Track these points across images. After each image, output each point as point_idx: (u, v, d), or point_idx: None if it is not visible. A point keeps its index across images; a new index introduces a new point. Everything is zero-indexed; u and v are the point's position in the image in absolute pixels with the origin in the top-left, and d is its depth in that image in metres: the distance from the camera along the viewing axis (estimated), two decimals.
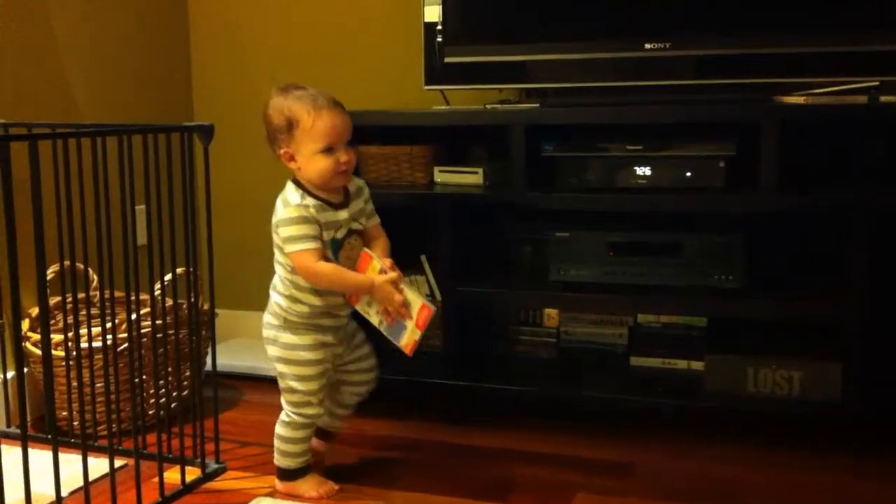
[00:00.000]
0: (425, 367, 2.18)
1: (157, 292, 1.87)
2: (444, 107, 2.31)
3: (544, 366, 2.28)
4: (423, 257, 2.29)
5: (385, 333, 1.74)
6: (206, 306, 2.16)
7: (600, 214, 2.11)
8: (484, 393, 2.13)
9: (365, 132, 2.21)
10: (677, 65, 2.07)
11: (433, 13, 2.23)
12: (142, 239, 1.79)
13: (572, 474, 1.88)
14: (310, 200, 1.70)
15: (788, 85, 2.02)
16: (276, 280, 1.78)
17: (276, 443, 1.79)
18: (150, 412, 2.09)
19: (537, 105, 2.15)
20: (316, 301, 1.73)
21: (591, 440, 2.04)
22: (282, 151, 1.72)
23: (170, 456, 1.87)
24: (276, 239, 1.73)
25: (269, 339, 1.78)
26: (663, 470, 1.90)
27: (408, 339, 1.68)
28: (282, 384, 1.78)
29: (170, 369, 2.02)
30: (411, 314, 1.67)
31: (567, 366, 2.27)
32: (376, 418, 2.18)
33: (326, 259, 1.70)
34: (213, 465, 1.89)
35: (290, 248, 1.68)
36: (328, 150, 1.68)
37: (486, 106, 2.16)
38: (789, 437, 2.02)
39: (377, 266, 1.71)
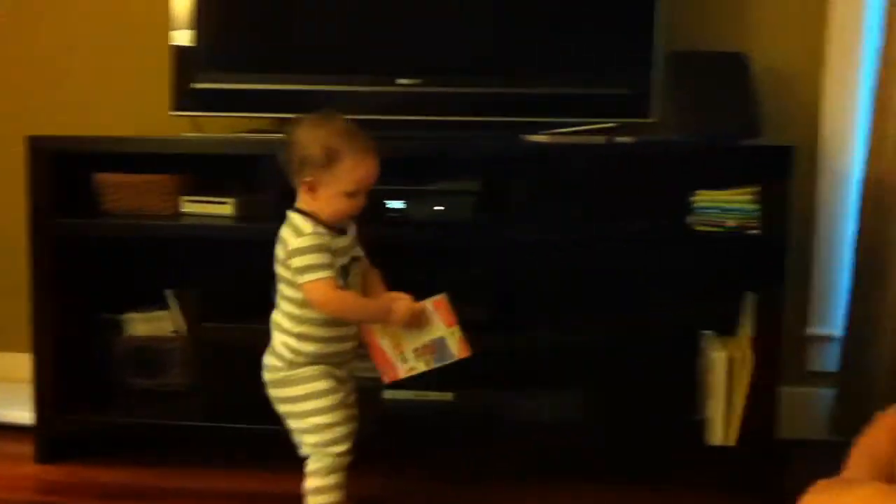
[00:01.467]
0: (175, 407, 2.07)
1: None
2: (190, 134, 2.20)
3: None
4: (168, 292, 2.17)
5: (439, 364, 1.70)
6: None
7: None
8: (236, 434, 2.03)
9: (105, 159, 2.08)
10: (430, 101, 2.09)
11: (183, 36, 2.14)
12: None
13: None
14: (321, 229, 1.62)
15: (537, 124, 2.09)
16: (278, 318, 1.67)
17: (309, 499, 1.66)
18: None
19: None
20: (329, 333, 1.65)
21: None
22: (308, 180, 1.61)
23: None
24: (284, 273, 1.64)
25: (276, 381, 1.67)
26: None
27: (454, 344, 1.70)
28: (302, 425, 1.66)
29: None
30: (433, 320, 1.68)
31: None
32: (117, 467, 2.04)
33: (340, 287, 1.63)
34: None
35: (306, 277, 1.59)
36: (353, 194, 1.62)
37: (236, 135, 2.09)
38: (546, 463, 2.06)
39: None
